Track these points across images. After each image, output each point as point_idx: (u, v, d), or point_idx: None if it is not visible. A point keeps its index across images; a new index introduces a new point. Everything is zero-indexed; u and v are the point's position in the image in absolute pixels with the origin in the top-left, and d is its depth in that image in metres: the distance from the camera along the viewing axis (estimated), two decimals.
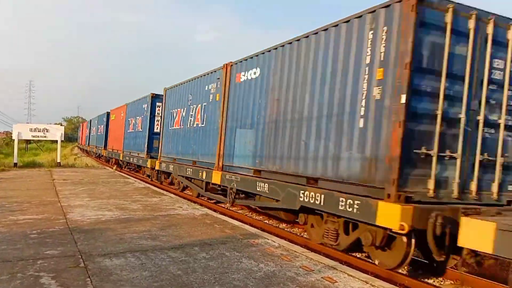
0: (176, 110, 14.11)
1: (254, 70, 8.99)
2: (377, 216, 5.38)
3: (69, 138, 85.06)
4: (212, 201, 11.74)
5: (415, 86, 5.34)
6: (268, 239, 6.51)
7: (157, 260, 5.02)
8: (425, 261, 6.34)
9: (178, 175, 13.25)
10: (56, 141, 22.40)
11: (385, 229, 5.47)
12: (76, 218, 7.47)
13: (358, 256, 6.88)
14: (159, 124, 16.62)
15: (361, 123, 5.95)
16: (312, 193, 6.70)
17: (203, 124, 11.77)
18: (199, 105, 12.12)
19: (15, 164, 20.30)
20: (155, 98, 17.46)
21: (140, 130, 18.87)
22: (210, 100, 11.34)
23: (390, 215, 5.17)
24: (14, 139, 21.67)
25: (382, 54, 5.68)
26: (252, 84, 9.08)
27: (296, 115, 7.46)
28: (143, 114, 18.55)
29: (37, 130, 21.68)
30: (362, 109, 5.94)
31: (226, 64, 10.34)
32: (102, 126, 25.24)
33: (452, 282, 5.98)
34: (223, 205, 11.20)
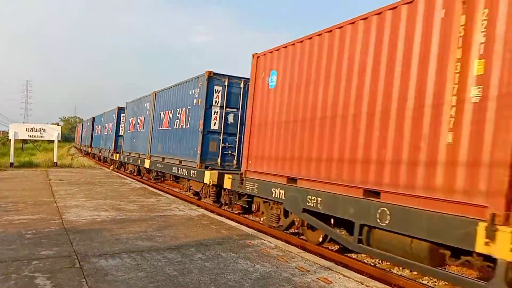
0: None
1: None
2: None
3: (66, 138, 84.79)
4: (209, 201, 11.73)
5: None
6: (264, 240, 6.52)
7: (153, 261, 5.02)
8: None
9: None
10: (53, 141, 22.32)
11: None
12: (72, 218, 7.45)
13: (353, 257, 6.90)
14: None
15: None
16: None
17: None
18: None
19: (11, 164, 20.19)
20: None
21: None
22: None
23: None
24: (10, 139, 21.54)
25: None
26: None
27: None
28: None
29: (33, 130, 21.59)
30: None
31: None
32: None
33: (446, 283, 6.01)
34: (223, 207, 11.20)
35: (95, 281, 4.20)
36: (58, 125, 30.91)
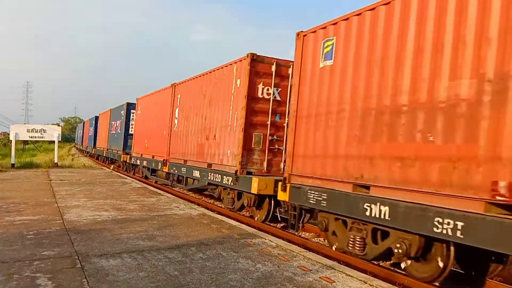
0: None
1: None
2: None
3: (67, 138, 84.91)
4: (209, 201, 11.69)
5: None
6: (265, 239, 6.50)
7: (154, 261, 5.00)
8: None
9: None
10: (53, 142, 22.33)
11: None
12: (73, 218, 7.44)
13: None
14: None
15: None
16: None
17: None
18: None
19: (13, 165, 20.20)
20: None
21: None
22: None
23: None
24: (11, 140, 21.53)
25: None
26: None
27: None
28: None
29: (34, 131, 21.60)
30: None
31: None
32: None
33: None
34: (220, 205, 11.16)
35: (96, 281, 4.19)
36: (59, 125, 30.87)
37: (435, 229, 4.69)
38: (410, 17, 5.34)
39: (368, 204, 5.65)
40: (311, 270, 4.95)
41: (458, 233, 4.45)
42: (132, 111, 21.60)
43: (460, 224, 4.44)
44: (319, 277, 4.67)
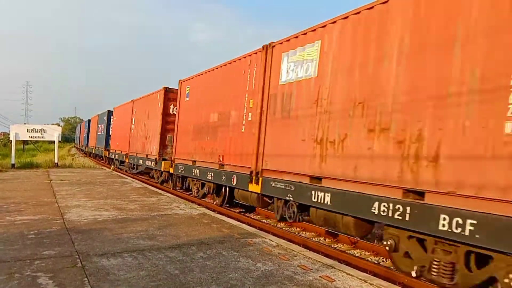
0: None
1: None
2: None
3: (67, 138, 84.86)
4: (210, 201, 11.72)
5: None
6: (266, 238, 6.51)
7: (155, 260, 5.01)
8: None
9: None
10: (54, 142, 22.33)
11: None
12: (73, 218, 7.45)
13: (357, 254, 6.89)
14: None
15: None
16: None
17: None
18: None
19: (13, 165, 20.20)
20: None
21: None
22: None
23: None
24: (11, 140, 21.53)
25: None
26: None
27: None
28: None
29: (34, 131, 21.58)
30: None
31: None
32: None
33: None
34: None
35: (97, 280, 4.20)
36: (59, 125, 30.92)
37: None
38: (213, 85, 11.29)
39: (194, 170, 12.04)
40: (312, 269, 4.96)
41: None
42: (111, 117, 26.68)
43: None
44: (320, 276, 4.68)
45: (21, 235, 6.03)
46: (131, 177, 17.49)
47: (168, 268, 4.73)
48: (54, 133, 21.94)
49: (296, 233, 8.42)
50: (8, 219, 7.14)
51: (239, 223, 7.96)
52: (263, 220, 9.75)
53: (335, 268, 5.05)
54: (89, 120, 39.45)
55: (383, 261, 6.67)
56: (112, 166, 23.68)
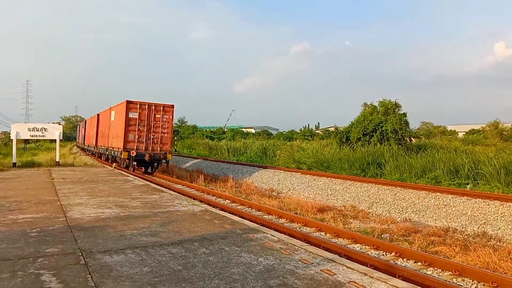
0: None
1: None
2: None
3: (68, 137, 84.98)
4: (211, 197, 11.77)
5: None
6: (267, 234, 6.54)
7: (157, 256, 5.05)
8: None
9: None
10: (55, 141, 22.40)
11: None
12: (76, 216, 7.49)
13: (357, 249, 6.93)
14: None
15: None
16: None
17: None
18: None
19: (14, 164, 20.27)
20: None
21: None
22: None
23: None
24: (12, 139, 21.59)
25: None
26: None
27: None
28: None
29: (35, 130, 21.62)
30: None
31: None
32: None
33: (451, 272, 6.02)
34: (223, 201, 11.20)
35: (100, 277, 4.24)
36: (60, 124, 31.02)
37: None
38: None
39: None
40: (313, 263, 4.99)
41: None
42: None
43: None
44: (320, 270, 4.71)
45: (24, 233, 6.07)
46: (133, 175, 17.55)
47: (171, 264, 4.77)
48: (55, 132, 21.98)
49: (297, 228, 8.47)
50: (10, 218, 7.18)
51: (241, 219, 7.99)
52: (265, 216, 9.79)
53: (335, 262, 5.08)
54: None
55: (383, 255, 6.71)
56: (114, 164, 23.78)
